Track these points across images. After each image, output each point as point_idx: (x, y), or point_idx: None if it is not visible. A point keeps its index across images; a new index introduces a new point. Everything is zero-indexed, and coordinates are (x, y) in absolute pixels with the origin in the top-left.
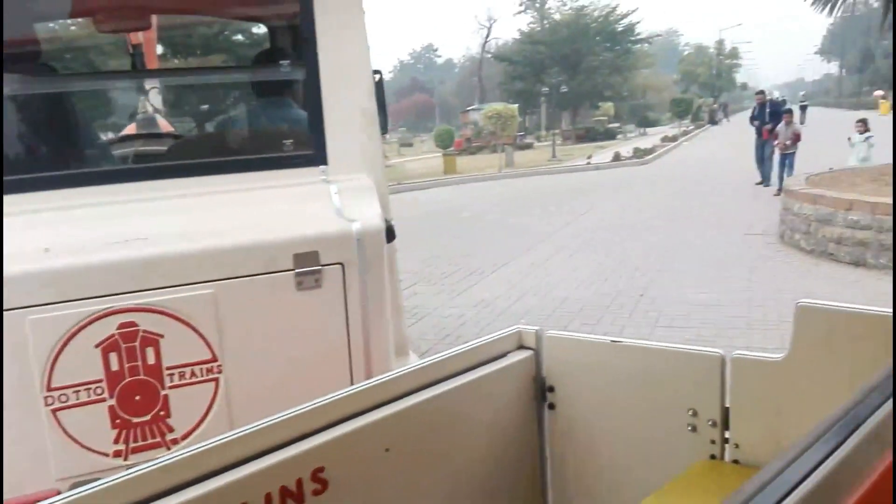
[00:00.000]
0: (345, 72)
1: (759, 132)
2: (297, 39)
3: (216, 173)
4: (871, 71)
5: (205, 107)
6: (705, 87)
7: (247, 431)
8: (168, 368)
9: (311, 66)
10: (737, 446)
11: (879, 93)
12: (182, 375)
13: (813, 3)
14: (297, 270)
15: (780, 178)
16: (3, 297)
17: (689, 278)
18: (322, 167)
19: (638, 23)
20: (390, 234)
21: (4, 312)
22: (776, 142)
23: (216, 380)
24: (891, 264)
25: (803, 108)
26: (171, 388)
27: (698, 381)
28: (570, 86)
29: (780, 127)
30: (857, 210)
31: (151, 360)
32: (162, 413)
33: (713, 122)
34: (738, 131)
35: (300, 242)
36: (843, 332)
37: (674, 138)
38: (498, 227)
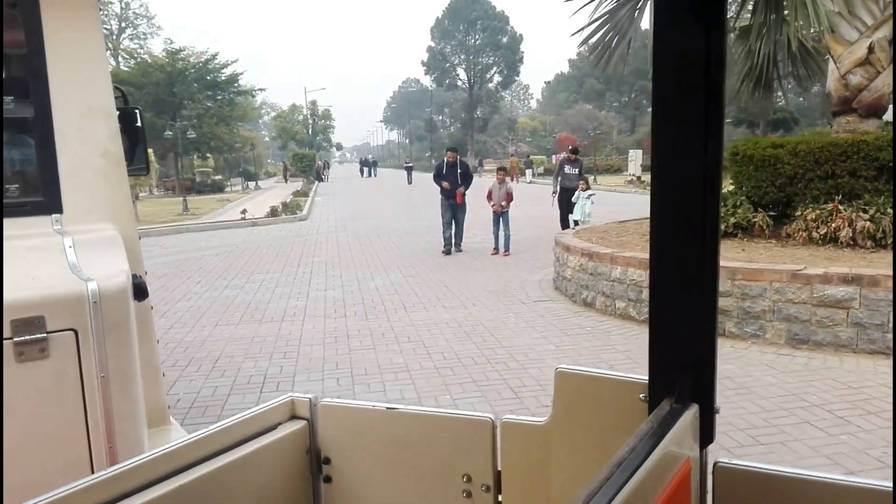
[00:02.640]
0: (83, 111)
1: (448, 195)
2: (23, 73)
3: None
4: (433, 139)
5: None
6: (302, 145)
7: None
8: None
9: (40, 103)
10: None
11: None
12: None
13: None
14: (16, 339)
15: (497, 238)
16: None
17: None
18: (55, 216)
19: (241, 74)
20: (140, 292)
21: None
22: (491, 203)
23: None
24: (758, 334)
25: (409, 170)
26: None
27: (471, 447)
28: (173, 132)
29: (494, 186)
30: None
31: None
32: None
33: (319, 178)
34: (350, 188)
35: (20, 306)
36: (598, 396)
37: (305, 193)
38: (220, 308)
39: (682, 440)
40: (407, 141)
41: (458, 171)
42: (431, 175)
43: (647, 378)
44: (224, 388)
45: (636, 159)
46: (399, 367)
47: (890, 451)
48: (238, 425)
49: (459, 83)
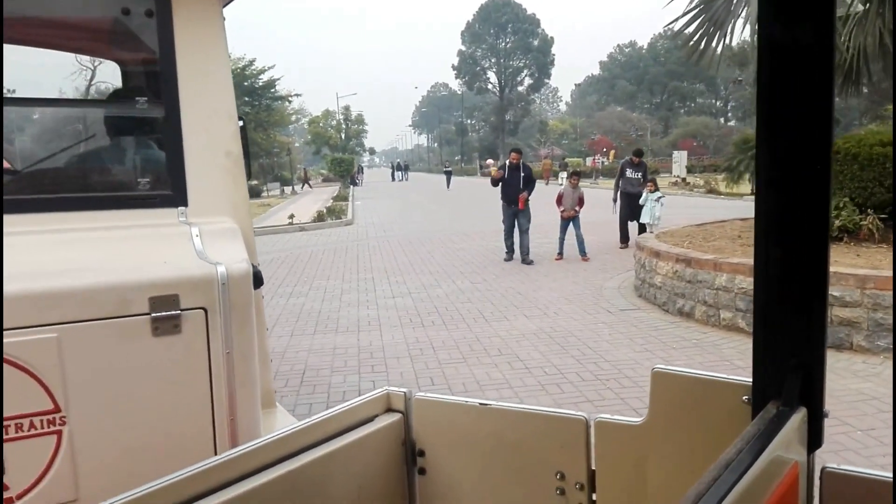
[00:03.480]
0: (208, 114)
1: (510, 200)
2: (155, 77)
3: (62, 210)
4: (463, 143)
5: (53, 141)
6: (337, 149)
7: None
8: (3, 419)
9: (170, 105)
10: None
11: (490, 161)
12: (19, 427)
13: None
14: (153, 315)
15: (562, 243)
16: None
17: None
18: (181, 208)
19: (279, 79)
20: (257, 280)
21: None
22: (562, 209)
23: (59, 432)
24: (892, 348)
25: (448, 174)
26: (6, 440)
27: (565, 445)
28: None
29: (566, 189)
30: (836, 284)
31: None
32: None
33: (354, 183)
34: (386, 193)
35: (157, 285)
36: (696, 398)
37: (344, 197)
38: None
39: (789, 444)
40: (436, 145)
41: (521, 174)
42: (480, 179)
43: (747, 380)
44: (319, 406)
45: (680, 161)
46: (500, 384)
47: None
48: (338, 416)
49: (490, 86)
